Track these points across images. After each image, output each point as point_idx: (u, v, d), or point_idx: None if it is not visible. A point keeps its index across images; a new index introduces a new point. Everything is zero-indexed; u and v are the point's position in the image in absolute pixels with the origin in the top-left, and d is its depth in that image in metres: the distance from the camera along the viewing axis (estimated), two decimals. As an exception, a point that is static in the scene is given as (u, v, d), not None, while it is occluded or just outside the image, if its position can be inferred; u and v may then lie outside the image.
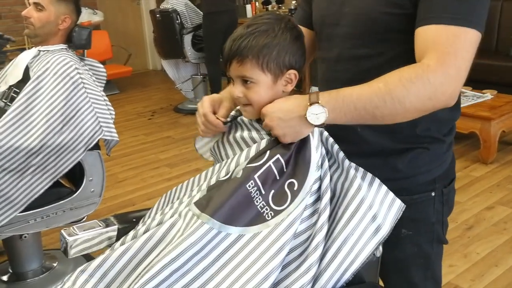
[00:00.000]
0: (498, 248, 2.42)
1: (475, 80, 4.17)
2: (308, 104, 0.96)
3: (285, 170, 0.99)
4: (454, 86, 0.96)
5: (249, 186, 0.97)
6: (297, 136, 1.00)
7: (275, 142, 1.03)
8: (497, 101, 3.56)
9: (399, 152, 1.11)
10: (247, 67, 1.02)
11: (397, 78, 0.95)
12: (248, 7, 5.98)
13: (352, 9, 1.08)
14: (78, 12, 2.14)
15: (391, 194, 1.02)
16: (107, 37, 6.00)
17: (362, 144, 1.05)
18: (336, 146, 1.04)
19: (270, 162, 0.99)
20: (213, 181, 1.05)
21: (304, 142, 1.01)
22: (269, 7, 5.80)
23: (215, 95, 1.17)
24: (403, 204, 1.01)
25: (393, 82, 0.95)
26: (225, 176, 1.03)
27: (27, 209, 1.93)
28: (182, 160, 3.80)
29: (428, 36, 0.97)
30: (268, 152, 1.00)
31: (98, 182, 2.15)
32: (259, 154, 1.01)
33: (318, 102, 0.96)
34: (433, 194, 1.16)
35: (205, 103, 1.13)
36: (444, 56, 0.94)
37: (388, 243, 1.00)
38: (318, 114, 0.96)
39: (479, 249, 2.42)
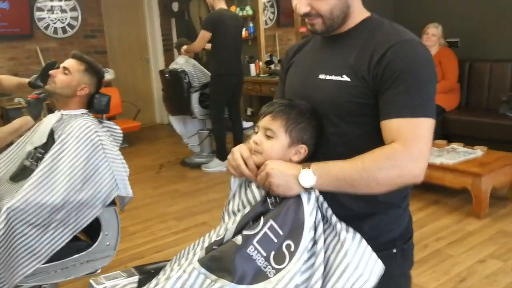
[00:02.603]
0: (489, 300, 2.54)
1: (467, 137, 4.44)
2: (302, 168, 1.19)
3: (281, 233, 1.17)
4: (420, 167, 1.16)
5: (250, 250, 1.15)
6: (287, 191, 1.20)
7: (268, 206, 1.22)
8: (488, 158, 3.72)
9: (364, 216, 1.29)
10: (276, 123, 1.27)
11: (372, 158, 1.16)
12: (252, 66, 6.31)
13: (320, 95, 1.29)
14: (99, 86, 2.38)
15: (374, 255, 1.20)
16: (118, 93, 6.29)
17: (335, 207, 1.23)
18: (330, 211, 1.23)
19: (266, 229, 1.17)
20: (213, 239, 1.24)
21: (298, 208, 1.20)
22: (272, 66, 6.12)
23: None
24: (383, 265, 1.19)
25: (369, 161, 1.16)
26: (223, 233, 1.22)
27: (48, 261, 2.09)
28: (189, 213, 3.97)
29: (393, 127, 1.18)
30: (262, 218, 1.19)
31: (113, 236, 2.32)
32: (255, 220, 1.20)
33: (309, 168, 1.18)
34: (394, 251, 1.33)
35: (246, 151, 1.29)
36: (409, 143, 1.15)
37: None
38: (308, 178, 1.18)
39: (471, 301, 2.54)
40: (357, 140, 1.24)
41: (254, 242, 1.16)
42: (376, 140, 1.21)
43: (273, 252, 1.16)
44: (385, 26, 1.27)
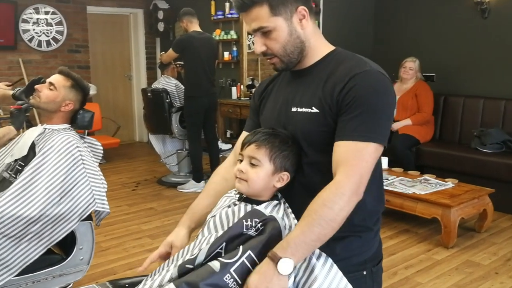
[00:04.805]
0: (453, 328, 2.61)
1: (439, 168, 4.57)
2: (274, 263, 1.18)
3: (257, 262, 1.22)
4: (361, 190, 1.23)
5: (226, 278, 1.19)
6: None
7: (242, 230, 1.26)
8: (458, 190, 3.84)
9: (338, 239, 1.33)
10: (260, 152, 1.33)
11: (321, 203, 1.21)
12: (234, 89, 6.40)
13: (293, 127, 1.36)
14: (83, 103, 2.42)
15: (345, 280, 1.26)
16: (98, 109, 6.29)
17: None
18: None
19: (243, 258, 1.21)
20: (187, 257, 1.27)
21: (277, 239, 1.24)
22: (253, 90, 6.22)
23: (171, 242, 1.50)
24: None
25: (320, 208, 1.21)
26: (197, 253, 1.24)
27: (20, 273, 2.09)
28: (163, 232, 3.97)
29: (341, 149, 1.24)
30: (241, 248, 1.23)
31: (88, 250, 2.33)
32: (233, 249, 1.23)
33: (281, 258, 1.18)
34: (364, 272, 1.39)
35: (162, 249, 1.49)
36: (349, 168, 1.22)
37: None
38: (286, 266, 1.19)
39: (436, 328, 2.60)
40: (329, 167, 1.29)
41: (231, 270, 1.20)
42: None
43: None
44: (349, 59, 1.34)
